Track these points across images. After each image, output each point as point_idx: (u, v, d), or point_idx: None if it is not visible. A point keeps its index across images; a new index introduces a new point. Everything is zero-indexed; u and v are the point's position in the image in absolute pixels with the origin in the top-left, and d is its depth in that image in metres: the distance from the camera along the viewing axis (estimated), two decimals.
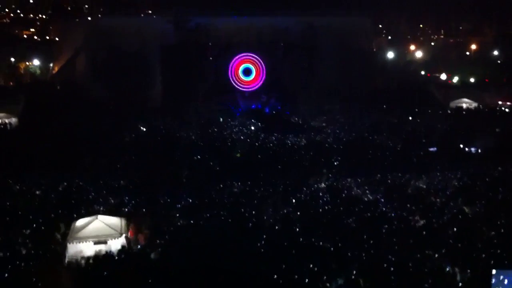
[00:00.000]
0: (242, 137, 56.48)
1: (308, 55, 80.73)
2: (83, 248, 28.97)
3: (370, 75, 79.35)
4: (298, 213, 34.85)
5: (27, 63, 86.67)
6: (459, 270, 26.42)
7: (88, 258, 27.51)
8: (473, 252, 27.80)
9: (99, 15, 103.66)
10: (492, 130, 55.14)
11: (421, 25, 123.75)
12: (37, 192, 38.47)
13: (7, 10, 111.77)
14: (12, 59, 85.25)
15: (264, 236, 30.64)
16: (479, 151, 49.70)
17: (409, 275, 26.05)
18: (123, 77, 72.38)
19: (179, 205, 36.50)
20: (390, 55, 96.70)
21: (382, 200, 37.37)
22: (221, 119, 64.52)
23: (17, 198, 37.13)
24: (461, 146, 51.26)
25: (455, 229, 31.11)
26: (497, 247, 27.98)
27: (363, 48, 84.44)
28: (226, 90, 78.53)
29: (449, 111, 68.73)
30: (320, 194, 38.84)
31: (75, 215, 32.86)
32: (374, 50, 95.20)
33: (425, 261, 27.24)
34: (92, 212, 33.30)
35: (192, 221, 33.47)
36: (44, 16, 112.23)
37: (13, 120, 60.57)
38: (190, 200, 37.33)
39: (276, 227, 32.59)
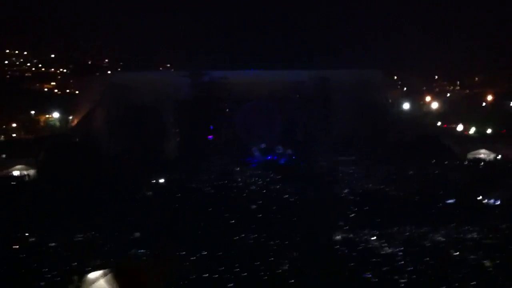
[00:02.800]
0: (257, 188, 56.35)
1: (323, 108, 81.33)
2: None
3: (386, 127, 79.36)
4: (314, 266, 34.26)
5: (47, 116, 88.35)
6: None
7: None
8: None
9: (118, 70, 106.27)
10: (510, 181, 54.33)
11: (436, 77, 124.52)
12: (52, 244, 38.40)
13: (28, 64, 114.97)
14: (32, 112, 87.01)
15: None
16: (498, 202, 48.89)
17: None
18: (139, 130, 73.39)
19: (194, 258, 36.14)
20: (406, 106, 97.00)
21: (400, 253, 36.69)
22: (237, 170, 64.63)
23: (32, 250, 37.09)
24: (479, 198, 50.50)
25: (474, 282, 30.35)
26: None
27: (378, 100, 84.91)
28: (241, 143, 79.13)
29: (466, 163, 68.13)
30: (337, 246, 38.28)
31: (88, 268, 32.60)
32: (390, 101, 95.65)
33: None
34: (106, 265, 33.01)
35: (207, 274, 33.05)
36: (64, 70, 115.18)
37: (31, 172, 61.33)
38: (206, 253, 36.99)
39: (292, 281, 32.02)
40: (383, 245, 38.83)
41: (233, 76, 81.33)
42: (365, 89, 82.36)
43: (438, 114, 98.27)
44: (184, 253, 36.84)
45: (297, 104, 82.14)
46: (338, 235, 41.04)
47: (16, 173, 62.25)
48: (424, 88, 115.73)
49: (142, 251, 37.20)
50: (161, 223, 42.79)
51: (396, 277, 31.93)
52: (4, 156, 66.43)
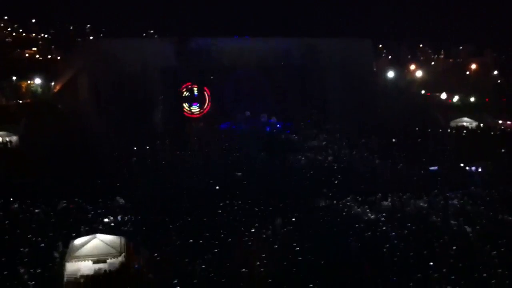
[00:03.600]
0: (242, 157, 56.54)
1: (308, 76, 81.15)
2: (82, 267, 28.71)
3: (371, 95, 79.49)
4: (297, 232, 34.67)
5: (29, 82, 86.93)
6: None
7: (87, 276, 27.32)
8: (474, 272, 27.63)
9: (101, 35, 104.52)
10: (492, 149, 54.96)
11: (421, 45, 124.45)
12: (36, 211, 38.32)
13: (9, 29, 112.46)
14: (14, 78, 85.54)
15: (263, 255, 30.49)
16: (480, 170, 49.55)
17: None
18: (123, 97, 72.57)
19: (178, 224, 36.34)
20: (391, 75, 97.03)
21: (383, 219, 37.21)
22: (222, 137, 64.64)
23: (16, 217, 36.96)
24: (462, 165, 51.11)
25: (454, 247, 30.93)
26: (498, 267, 27.81)
27: (364, 68, 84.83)
28: (227, 111, 79.13)
29: (449, 130, 68.67)
30: (320, 213, 38.69)
31: (73, 234, 32.68)
32: (375, 70, 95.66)
33: (426, 281, 27.04)
34: (91, 231, 33.15)
35: (191, 241, 33.29)
36: (46, 36, 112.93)
37: (14, 138, 60.69)
38: (189, 219, 37.18)
39: (276, 246, 32.38)
40: (366, 211, 39.33)
41: (220, 44, 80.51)
42: (353, 57, 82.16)
43: (422, 83, 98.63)
44: (167, 219, 37.11)
45: (284, 72, 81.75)
46: (322, 202, 41.43)
47: None
48: (409, 56, 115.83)
49: (126, 217, 37.50)
50: (145, 192, 42.72)
51: (379, 242, 32.33)
52: None
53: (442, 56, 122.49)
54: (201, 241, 33.13)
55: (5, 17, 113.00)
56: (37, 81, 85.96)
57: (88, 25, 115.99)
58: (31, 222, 36.16)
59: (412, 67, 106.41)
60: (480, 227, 34.73)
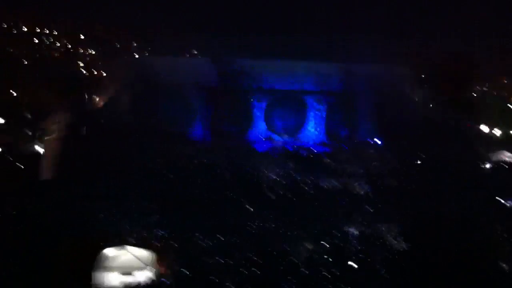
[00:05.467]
0: (276, 178, 56.36)
1: (347, 101, 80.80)
2: (110, 279, 28.98)
3: (408, 123, 78.38)
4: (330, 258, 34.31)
5: (73, 95, 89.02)
6: None
7: None
8: None
9: (146, 54, 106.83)
10: None
11: (463, 75, 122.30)
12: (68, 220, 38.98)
13: (58, 44, 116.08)
14: (60, 91, 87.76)
15: (294, 281, 30.24)
16: None
17: None
18: (165, 115, 73.85)
19: (211, 243, 36.40)
20: (430, 103, 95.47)
21: (415, 249, 36.40)
22: (257, 159, 64.59)
23: (50, 223, 37.73)
24: (500, 199, 49.69)
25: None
26: None
27: (402, 96, 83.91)
28: (263, 132, 79.54)
29: (488, 164, 66.93)
30: (352, 239, 38.21)
31: (103, 244, 33.03)
32: (416, 98, 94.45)
33: None
34: (121, 242, 33.49)
35: (222, 260, 33.28)
36: (92, 52, 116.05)
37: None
38: (222, 238, 37.19)
39: (307, 272, 32.05)
40: (399, 241, 38.56)
41: (260, 66, 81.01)
42: (393, 83, 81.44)
43: (462, 113, 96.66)
44: (200, 236, 37.21)
45: (323, 97, 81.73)
46: (354, 229, 40.91)
47: (37, 148, 63.16)
48: (449, 86, 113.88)
49: (157, 231, 37.79)
50: (180, 206, 43.04)
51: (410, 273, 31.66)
52: (30, 133, 67.55)
53: (485, 88, 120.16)
54: (232, 262, 33.13)
55: (54, 32, 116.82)
56: (82, 95, 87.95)
57: (134, 43, 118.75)
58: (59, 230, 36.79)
59: (454, 95, 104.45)
60: None
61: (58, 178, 48.36)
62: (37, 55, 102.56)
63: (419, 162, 64.02)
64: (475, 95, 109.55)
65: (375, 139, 78.77)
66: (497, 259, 34.98)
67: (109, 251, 30.93)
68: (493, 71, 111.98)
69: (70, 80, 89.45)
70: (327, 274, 31.91)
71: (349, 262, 33.96)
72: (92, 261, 30.73)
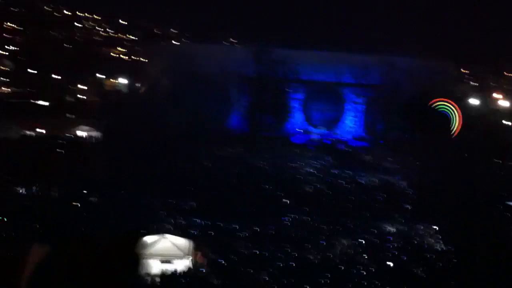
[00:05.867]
0: (313, 171, 56.31)
1: (386, 95, 79.58)
2: (150, 265, 29.50)
3: (448, 121, 76.81)
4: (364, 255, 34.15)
5: (113, 80, 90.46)
6: None
7: (155, 275, 28.14)
8: None
9: (185, 41, 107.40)
10: None
11: (506, 73, 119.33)
12: (110, 206, 39.76)
13: (98, 28, 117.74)
14: (102, 76, 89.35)
15: (328, 275, 30.24)
16: None
17: None
18: (202, 102, 74.08)
19: (246, 233, 36.67)
20: (473, 101, 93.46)
21: (453, 250, 35.92)
22: (293, 151, 64.58)
23: (91, 210, 38.53)
24: None
25: None
26: None
27: (444, 92, 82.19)
28: (300, 124, 79.35)
29: None
30: (390, 238, 37.90)
31: (144, 232, 33.56)
32: (455, 94, 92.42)
33: None
34: (161, 230, 33.98)
35: (255, 251, 33.52)
36: (132, 37, 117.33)
37: (97, 134, 63.23)
38: (258, 229, 37.40)
39: (342, 268, 32.00)
40: (437, 241, 38.11)
41: (297, 56, 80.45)
42: (435, 79, 79.81)
43: (506, 113, 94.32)
44: (237, 227, 37.52)
45: (361, 90, 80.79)
46: (392, 227, 40.58)
47: (80, 133, 64.37)
48: (494, 84, 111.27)
49: (196, 220, 38.25)
50: (217, 197, 43.35)
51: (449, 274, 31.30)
52: (73, 116, 68.99)
53: None
54: (266, 252, 33.36)
55: (95, 16, 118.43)
56: (122, 80, 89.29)
57: (172, 29, 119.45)
58: (105, 216, 37.55)
59: (496, 95, 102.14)
60: None
61: (96, 167, 49.11)
62: (80, 40, 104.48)
63: (459, 161, 62.70)
64: None
65: (411, 135, 77.52)
66: None
67: (149, 239, 31.45)
68: None
69: (109, 65, 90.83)
70: (362, 271, 31.74)
71: (385, 260, 33.70)
72: (133, 249, 31.27)
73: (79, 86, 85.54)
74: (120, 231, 33.36)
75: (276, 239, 35.98)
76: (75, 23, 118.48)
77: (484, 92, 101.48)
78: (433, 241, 37.93)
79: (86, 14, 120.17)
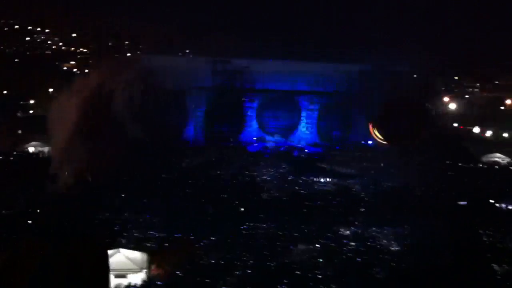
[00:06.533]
0: (268, 178, 56.46)
1: (340, 102, 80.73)
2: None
3: (402, 125, 78.48)
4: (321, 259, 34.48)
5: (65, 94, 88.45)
6: None
7: None
8: None
9: (139, 53, 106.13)
10: None
11: (456, 77, 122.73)
12: (63, 223, 38.85)
13: (49, 42, 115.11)
14: (51, 90, 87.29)
15: (286, 281, 30.38)
16: (510, 207, 48.48)
17: None
18: (157, 114, 73.28)
19: (203, 244, 36.48)
20: (427, 105, 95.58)
21: (408, 251, 36.67)
22: (251, 160, 64.62)
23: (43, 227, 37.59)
24: (492, 201, 50.05)
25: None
26: None
27: (396, 97, 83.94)
28: (255, 133, 79.64)
29: (480, 165, 67.36)
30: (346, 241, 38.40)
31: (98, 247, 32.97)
32: (408, 99, 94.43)
33: None
34: (115, 245, 33.48)
35: (213, 261, 33.39)
36: (85, 50, 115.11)
37: (46, 149, 61.83)
38: (215, 239, 37.26)
39: (299, 273, 32.20)
40: (392, 242, 38.80)
41: (256, 66, 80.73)
42: (388, 85, 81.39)
43: (455, 115, 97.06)
44: (193, 237, 37.28)
45: (318, 97, 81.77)
46: (348, 230, 41.10)
47: (31, 149, 62.87)
48: (443, 88, 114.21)
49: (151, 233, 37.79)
50: (173, 208, 42.96)
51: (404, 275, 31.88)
52: (20, 131, 67.14)
53: (477, 90, 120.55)
54: (224, 261, 33.25)
55: (46, 30, 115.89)
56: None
57: (126, 42, 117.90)
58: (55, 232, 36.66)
59: (446, 99, 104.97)
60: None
61: (52, 180, 48.02)
62: (30, 53, 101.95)
63: (412, 164, 64.07)
64: (467, 97, 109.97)
65: (367, 140, 78.99)
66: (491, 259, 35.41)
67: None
68: (485, 73, 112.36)
69: (63, 79, 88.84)
70: (319, 275, 32.02)
71: (341, 264, 34.09)
72: (87, 264, 30.66)
73: (31, 101, 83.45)
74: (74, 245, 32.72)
75: (234, 248, 35.88)
76: (25, 37, 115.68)
77: (436, 96, 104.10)
78: (387, 242, 38.64)
79: (37, 28, 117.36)
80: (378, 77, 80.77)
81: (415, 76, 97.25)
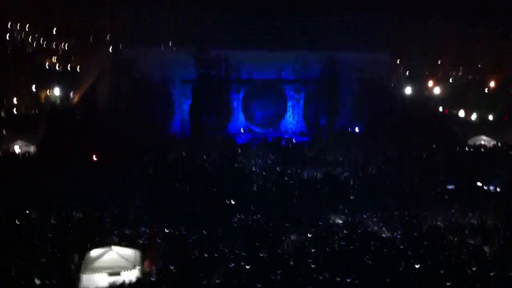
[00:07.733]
0: (256, 169, 56.51)
1: (325, 90, 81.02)
2: (97, 280, 28.91)
3: (388, 111, 79.05)
4: (313, 249, 34.61)
5: (48, 92, 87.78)
6: None
7: None
8: None
9: (121, 46, 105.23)
10: (510, 168, 54.25)
11: (439, 62, 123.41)
12: (53, 222, 38.58)
13: (30, 38, 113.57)
14: (33, 87, 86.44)
15: (279, 271, 30.48)
16: (498, 189, 49.03)
17: None
18: (142, 108, 73.05)
19: (194, 238, 36.44)
20: (408, 90, 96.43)
21: (399, 237, 37.02)
22: (238, 151, 64.57)
23: (33, 227, 37.22)
24: (479, 184, 50.60)
25: (474, 268, 30.71)
26: None
27: (381, 83, 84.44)
28: (241, 124, 79.95)
29: (466, 148, 68.01)
30: (336, 229, 38.58)
31: (89, 245, 32.85)
32: (392, 85, 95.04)
33: None
34: (107, 242, 33.32)
35: (206, 254, 33.38)
36: (66, 45, 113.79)
37: (32, 148, 61.28)
38: (205, 233, 37.22)
39: (291, 263, 32.33)
40: (382, 228, 39.16)
41: (237, 56, 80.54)
42: (370, 71, 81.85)
43: (440, 99, 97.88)
44: (184, 232, 37.24)
45: (301, 86, 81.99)
46: (338, 218, 41.38)
47: (16, 149, 62.20)
48: (427, 72, 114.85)
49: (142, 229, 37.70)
50: (162, 203, 42.77)
51: (395, 260, 32.16)
52: (4, 131, 66.34)
53: (461, 73, 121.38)
54: (217, 255, 33.28)
55: (26, 26, 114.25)
56: (56, 91, 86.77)
57: (108, 35, 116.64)
58: (47, 232, 36.39)
59: (430, 83, 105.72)
60: (498, 246, 34.51)
61: (38, 177, 47.55)
62: (10, 51, 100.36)
63: (398, 150, 64.54)
64: (451, 80, 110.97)
65: (354, 128, 79.60)
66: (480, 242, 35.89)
67: (95, 252, 30.80)
68: (468, 56, 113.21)
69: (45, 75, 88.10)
70: (312, 264, 32.18)
71: (333, 251, 34.30)
72: (78, 262, 30.63)
73: (13, 100, 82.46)
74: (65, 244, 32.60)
75: (225, 240, 35.88)
76: (5, 34, 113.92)
77: (420, 81, 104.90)
78: (376, 228, 39.01)
79: (17, 24, 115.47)
80: (361, 64, 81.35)
81: (397, 62, 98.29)
